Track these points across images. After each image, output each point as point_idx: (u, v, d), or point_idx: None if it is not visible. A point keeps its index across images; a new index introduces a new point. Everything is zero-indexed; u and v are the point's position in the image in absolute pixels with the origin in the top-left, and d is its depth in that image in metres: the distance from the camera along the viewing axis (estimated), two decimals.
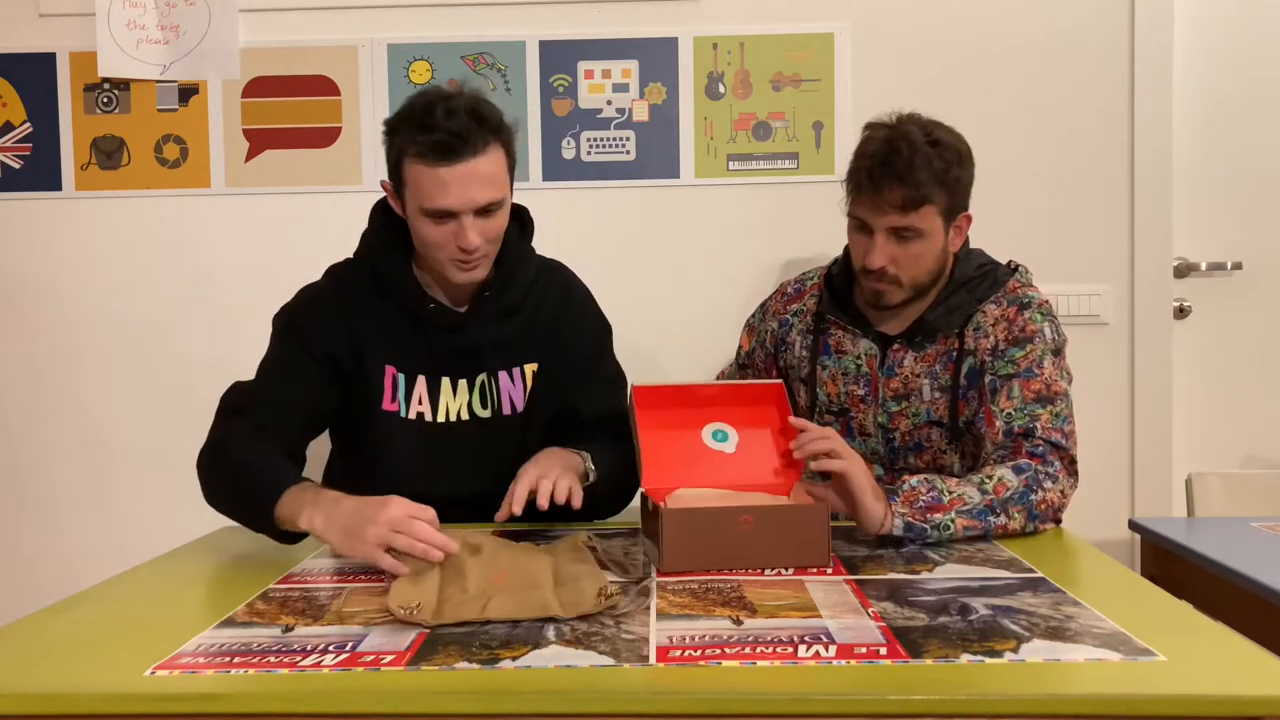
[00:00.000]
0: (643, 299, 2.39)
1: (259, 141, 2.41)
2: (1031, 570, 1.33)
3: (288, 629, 1.14)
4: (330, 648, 1.07)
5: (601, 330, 1.81)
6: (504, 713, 0.96)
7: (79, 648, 1.11)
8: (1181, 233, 2.44)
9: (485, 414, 1.68)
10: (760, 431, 1.55)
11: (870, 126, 1.72)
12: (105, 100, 2.41)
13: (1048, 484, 1.55)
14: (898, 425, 1.77)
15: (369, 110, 2.37)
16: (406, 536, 1.27)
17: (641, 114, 2.38)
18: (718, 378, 2.14)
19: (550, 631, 1.11)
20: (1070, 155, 2.37)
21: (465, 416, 1.68)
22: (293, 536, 1.45)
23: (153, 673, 1.01)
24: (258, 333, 1.70)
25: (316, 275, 1.74)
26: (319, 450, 1.77)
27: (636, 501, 1.60)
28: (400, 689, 0.98)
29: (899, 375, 1.76)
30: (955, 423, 1.72)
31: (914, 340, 1.76)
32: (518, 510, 1.47)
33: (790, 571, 1.33)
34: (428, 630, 1.12)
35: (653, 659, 1.02)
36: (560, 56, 2.38)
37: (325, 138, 2.40)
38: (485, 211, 1.54)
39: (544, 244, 1.79)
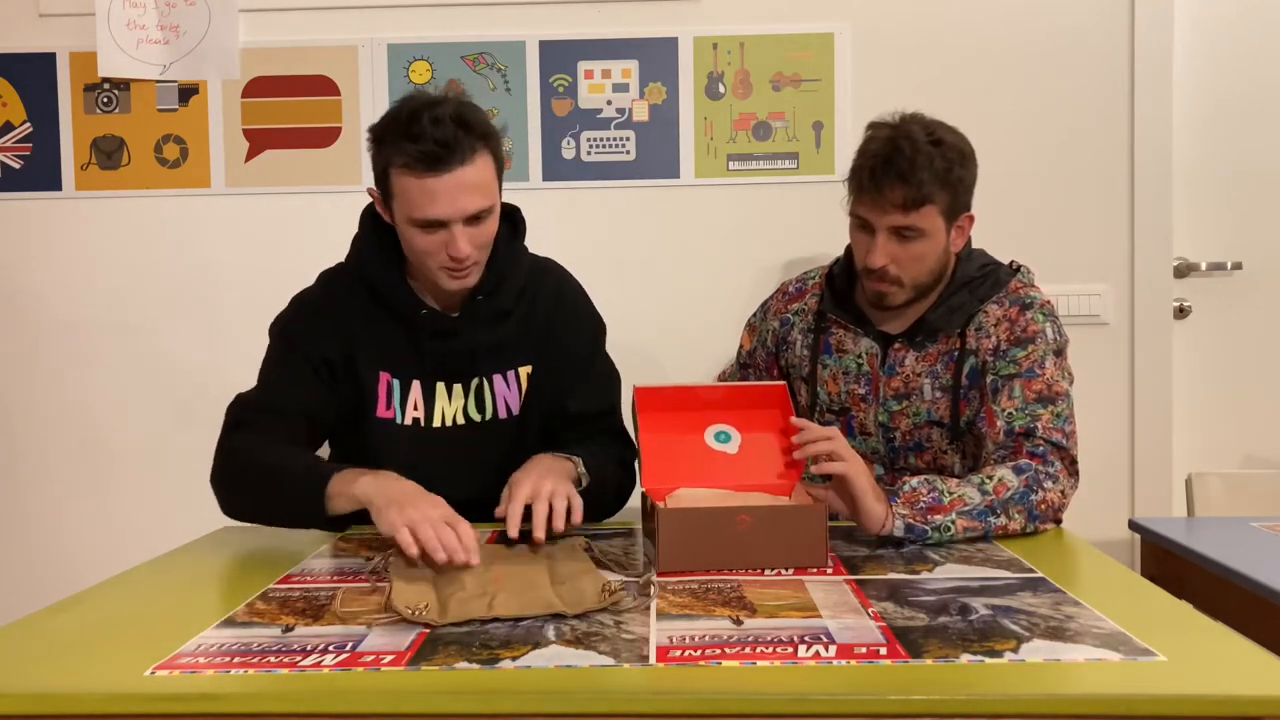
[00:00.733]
0: (643, 299, 2.39)
1: (259, 141, 2.41)
2: (1031, 570, 1.33)
3: (288, 629, 1.14)
4: (330, 648, 1.07)
5: (595, 327, 1.80)
6: (504, 713, 0.96)
7: (79, 648, 1.11)
8: (1181, 233, 2.44)
9: (480, 418, 1.68)
10: (763, 433, 1.55)
11: (873, 126, 1.72)
12: (105, 100, 2.41)
13: (1048, 484, 1.55)
14: (898, 425, 1.77)
15: (369, 110, 2.37)
16: (433, 533, 1.29)
17: (641, 114, 2.38)
18: (719, 377, 2.14)
19: (550, 631, 1.11)
20: (1070, 155, 2.37)
21: (460, 421, 1.67)
22: (336, 523, 1.47)
23: (153, 673, 1.01)
24: (257, 332, 1.70)
25: (316, 275, 1.74)
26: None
27: (636, 502, 1.60)
28: (400, 689, 0.98)
29: (900, 374, 1.76)
30: (956, 423, 1.72)
31: (915, 340, 1.76)
32: (514, 534, 1.42)
33: (790, 571, 1.33)
34: (428, 630, 1.12)
35: (653, 659, 1.02)
36: (560, 56, 2.38)
37: (325, 138, 2.40)
38: (475, 219, 1.53)
39: (544, 244, 1.79)
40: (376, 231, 1.64)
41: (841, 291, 1.84)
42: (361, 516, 1.43)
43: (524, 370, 1.69)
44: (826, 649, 1.04)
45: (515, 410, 1.69)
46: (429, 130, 1.47)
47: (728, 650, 1.04)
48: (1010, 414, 1.63)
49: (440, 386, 1.66)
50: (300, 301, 1.70)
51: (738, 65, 2.38)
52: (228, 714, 0.97)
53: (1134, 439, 2.39)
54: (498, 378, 1.68)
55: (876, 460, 1.81)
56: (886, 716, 0.94)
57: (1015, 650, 1.03)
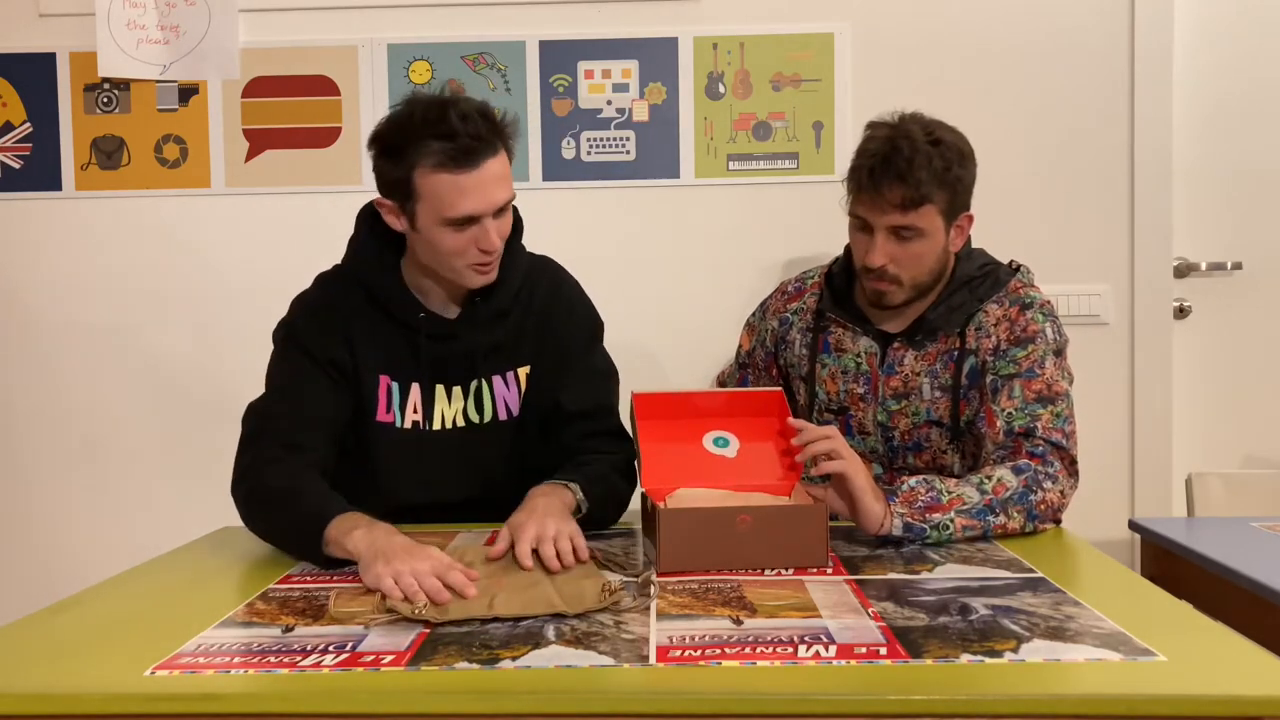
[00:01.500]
0: (643, 299, 2.39)
1: (259, 141, 2.41)
2: (1031, 570, 1.33)
3: (288, 629, 1.14)
4: (330, 648, 1.07)
5: (591, 324, 1.78)
6: (504, 713, 0.96)
7: (79, 648, 1.11)
8: (1181, 233, 2.44)
9: (480, 420, 1.67)
10: (762, 441, 1.54)
11: (872, 125, 1.72)
12: (105, 100, 2.41)
13: (1047, 484, 1.55)
14: (897, 424, 1.77)
15: (369, 110, 2.37)
16: (413, 580, 1.23)
17: (641, 114, 2.38)
18: (718, 378, 2.14)
19: (550, 631, 1.11)
20: (1070, 155, 2.37)
21: (460, 423, 1.67)
22: (336, 562, 1.42)
23: (153, 673, 1.01)
24: (257, 331, 1.70)
25: (315, 276, 1.74)
26: None
27: (636, 502, 1.60)
28: (400, 689, 0.98)
29: (899, 374, 1.76)
30: (955, 422, 1.72)
31: (914, 339, 1.76)
32: (527, 565, 1.37)
33: (790, 571, 1.33)
34: (428, 630, 1.12)
35: (653, 659, 1.02)
36: (560, 56, 2.38)
37: (325, 138, 2.40)
38: (500, 211, 1.54)
39: (544, 244, 1.79)
40: (372, 234, 1.64)
41: (840, 291, 1.84)
42: None
43: (523, 371, 1.69)
44: (826, 649, 1.04)
45: (515, 411, 1.69)
46: (459, 126, 1.46)
47: (728, 650, 1.04)
48: (1010, 414, 1.63)
49: (439, 389, 1.66)
50: (303, 304, 1.69)
51: (738, 65, 2.38)
52: (228, 714, 0.97)
53: (1134, 439, 2.39)
54: (497, 379, 1.68)
55: (875, 460, 1.81)
56: (886, 716, 0.94)
57: (1015, 650, 1.03)
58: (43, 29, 2.41)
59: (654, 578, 1.29)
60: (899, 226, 1.67)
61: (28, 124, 2.42)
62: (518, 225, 1.70)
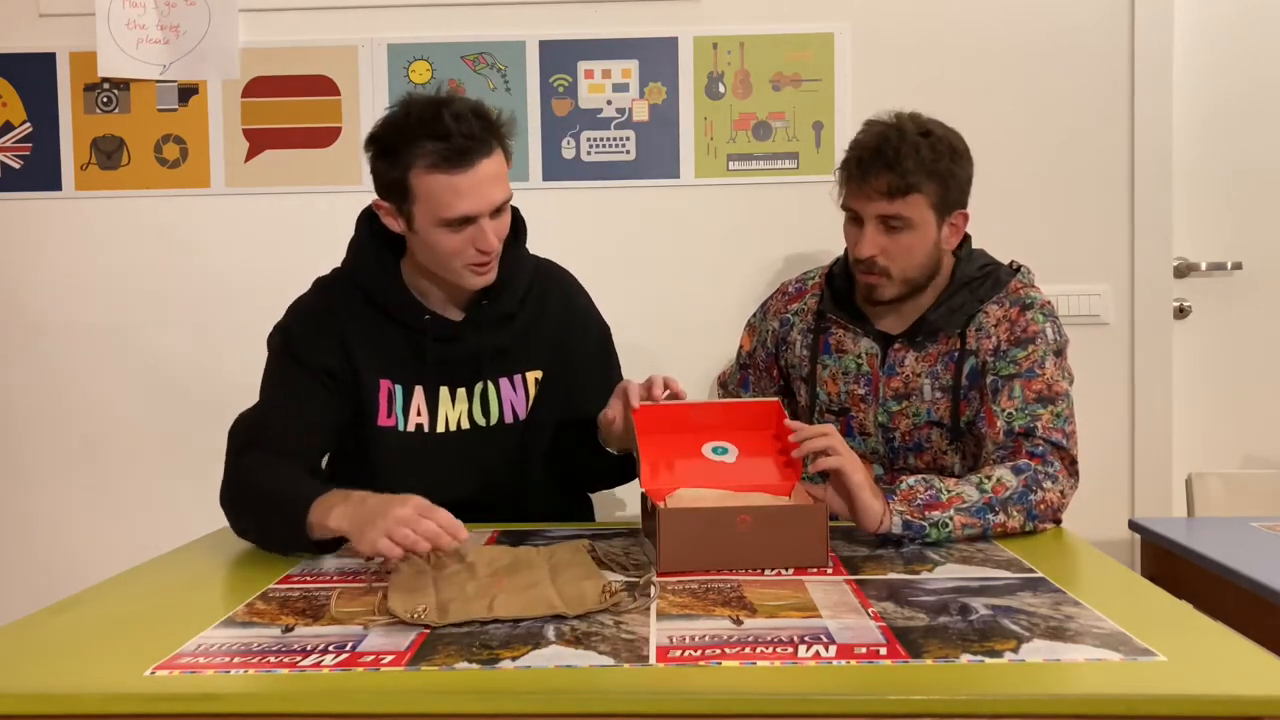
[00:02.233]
0: (643, 299, 2.39)
1: (259, 141, 2.41)
2: (1031, 570, 1.33)
3: (288, 629, 1.14)
4: (330, 648, 1.07)
5: (604, 333, 1.81)
6: (504, 713, 0.96)
7: (79, 648, 1.11)
8: (1181, 233, 2.44)
9: (485, 422, 1.67)
10: (760, 450, 1.54)
11: (868, 122, 1.73)
12: (105, 100, 2.41)
13: (1047, 484, 1.55)
14: (898, 425, 1.77)
15: (369, 110, 2.37)
16: (409, 530, 1.27)
17: (641, 114, 2.38)
18: (719, 379, 2.14)
19: (550, 631, 1.11)
20: (1070, 155, 2.37)
21: (465, 425, 1.67)
22: (328, 546, 1.44)
23: (153, 673, 1.01)
24: (257, 332, 1.70)
25: (318, 275, 1.74)
26: None
27: (637, 502, 1.60)
28: (400, 689, 0.98)
29: (900, 375, 1.76)
30: (956, 423, 1.72)
31: (915, 340, 1.76)
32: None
33: (790, 571, 1.33)
34: (428, 630, 1.12)
35: (653, 659, 1.02)
36: (560, 56, 2.38)
37: (325, 138, 2.40)
38: (497, 211, 1.54)
39: (544, 244, 1.79)
40: (372, 236, 1.64)
41: (841, 291, 1.84)
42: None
43: (532, 375, 1.69)
44: (826, 649, 1.04)
45: (521, 415, 1.69)
46: (453, 126, 1.46)
47: (728, 650, 1.04)
48: (1010, 414, 1.63)
49: (444, 391, 1.65)
50: (298, 310, 1.68)
51: (738, 65, 2.38)
52: (228, 714, 0.97)
53: (1134, 439, 2.39)
54: (504, 382, 1.67)
55: (876, 460, 1.81)
56: (886, 716, 0.94)
57: (1015, 650, 1.03)
58: (43, 29, 2.41)
59: (654, 578, 1.29)
60: (887, 216, 1.67)
61: (28, 124, 2.42)
62: (521, 227, 1.70)
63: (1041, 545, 1.49)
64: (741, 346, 2.02)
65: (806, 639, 1.06)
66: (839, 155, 2.37)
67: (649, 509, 1.45)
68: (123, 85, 2.41)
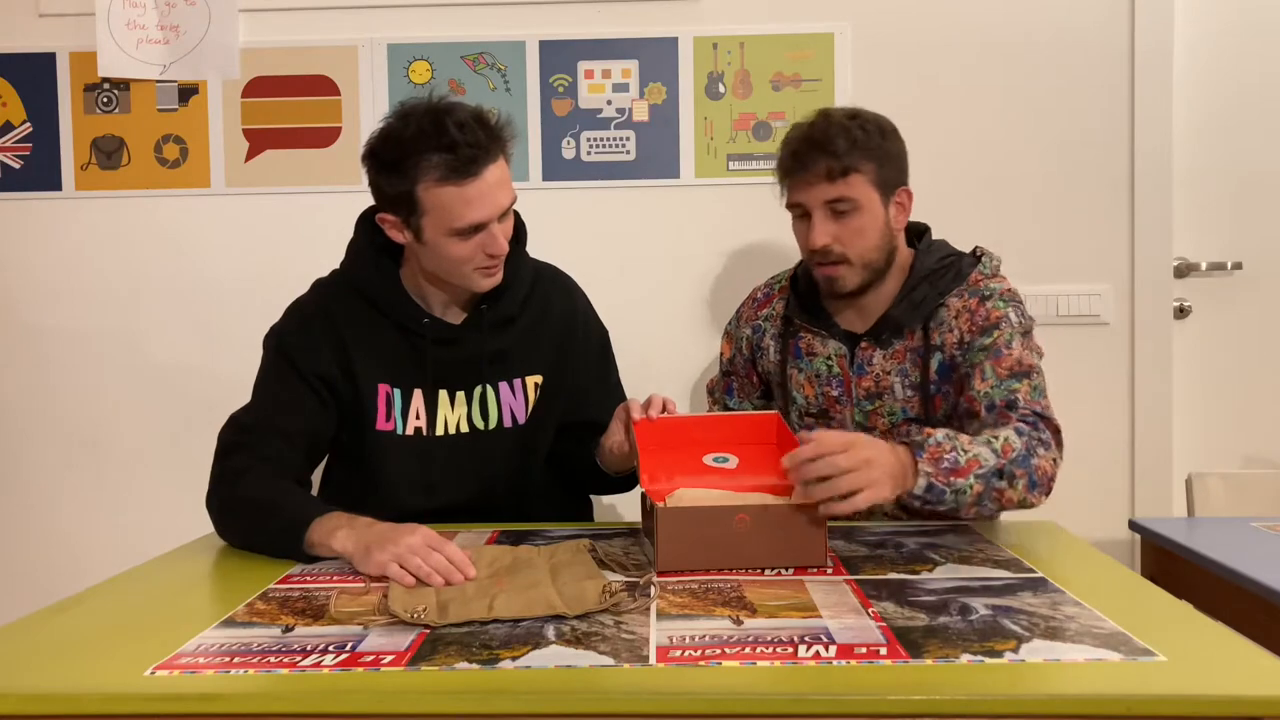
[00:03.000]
0: (642, 299, 2.39)
1: (259, 141, 2.41)
2: (1031, 570, 1.33)
3: (288, 629, 1.14)
4: (330, 648, 1.07)
5: (604, 337, 1.82)
6: (504, 713, 0.96)
7: (79, 648, 1.11)
8: (1181, 233, 2.44)
9: (484, 425, 1.67)
10: (762, 458, 1.53)
11: (794, 124, 1.75)
12: (105, 100, 2.41)
13: (1041, 450, 1.54)
14: (875, 424, 1.77)
15: (369, 110, 2.37)
16: (421, 561, 1.28)
17: (641, 114, 2.38)
18: (707, 386, 2.10)
19: (550, 631, 1.11)
20: (1070, 155, 2.37)
21: (464, 429, 1.67)
22: (316, 558, 1.44)
23: (153, 673, 1.01)
24: (257, 332, 1.70)
25: (318, 275, 1.74)
26: None
27: (637, 503, 1.60)
28: (400, 689, 0.98)
29: (870, 374, 1.76)
30: (929, 420, 1.72)
31: (880, 337, 1.75)
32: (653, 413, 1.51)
33: (790, 571, 1.33)
34: (428, 630, 1.12)
35: (653, 659, 1.02)
36: (560, 56, 2.38)
37: (325, 138, 2.40)
38: (504, 214, 1.55)
39: (544, 244, 1.79)
40: (372, 241, 1.64)
41: (805, 294, 1.83)
42: None
43: (532, 379, 1.69)
44: (826, 649, 1.04)
45: (521, 419, 1.69)
46: (458, 136, 1.46)
47: (728, 650, 1.04)
48: (987, 393, 1.62)
49: (443, 394, 1.65)
50: (295, 313, 1.68)
51: (738, 65, 2.38)
52: (228, 714, 0.97)
53: (1134, 439, 2.39)
54: (503, 385, 1.67)
55: None
56: (886, 716, 0.94)
57: (1015, 650, 1.03)
58: (43, 29, 2.41)
59: (654, 578, 1.29)
60: (832, 200, 1.67)
61: (28, 124, 2.42)
62: (521, 231, 1.70)
63: (1041, 545, 1.49)
64: (722, 354, 1.99)
65: (806, 639, 1.06)
66: None
67: (649, 508, 1.44)
68: (123, 85, 2.41)
